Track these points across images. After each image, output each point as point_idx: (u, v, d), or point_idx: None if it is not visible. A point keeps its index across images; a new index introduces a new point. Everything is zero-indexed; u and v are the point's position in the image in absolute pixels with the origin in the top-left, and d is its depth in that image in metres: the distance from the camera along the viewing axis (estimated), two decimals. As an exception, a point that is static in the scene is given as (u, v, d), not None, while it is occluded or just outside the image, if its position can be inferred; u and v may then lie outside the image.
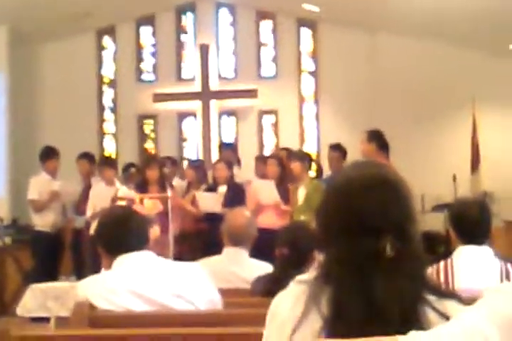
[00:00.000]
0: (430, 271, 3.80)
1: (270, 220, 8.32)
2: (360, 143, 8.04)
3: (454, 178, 10.46)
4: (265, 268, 4.63)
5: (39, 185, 9.64)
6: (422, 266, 1.83)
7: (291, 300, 1.84)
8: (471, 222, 3.91)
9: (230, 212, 5.45)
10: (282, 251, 4.12)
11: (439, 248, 8.26)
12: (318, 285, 1.79)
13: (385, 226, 1.76)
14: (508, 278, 3.78)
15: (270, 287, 3.83)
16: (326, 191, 1.92)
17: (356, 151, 8.36)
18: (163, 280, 3.30)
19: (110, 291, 3.25)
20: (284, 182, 8.78)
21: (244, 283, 4.57)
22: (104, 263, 3.56)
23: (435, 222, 9.09)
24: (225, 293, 3.63)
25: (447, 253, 4.02)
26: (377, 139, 8.00)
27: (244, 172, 10.20)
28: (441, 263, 3.88)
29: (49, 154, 9.84)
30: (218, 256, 4.89)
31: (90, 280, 3.43)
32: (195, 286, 3.35)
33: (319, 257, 3.98)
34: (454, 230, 3.98)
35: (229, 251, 4.84)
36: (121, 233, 3.43)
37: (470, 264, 3.83)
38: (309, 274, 1.86)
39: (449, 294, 1.83)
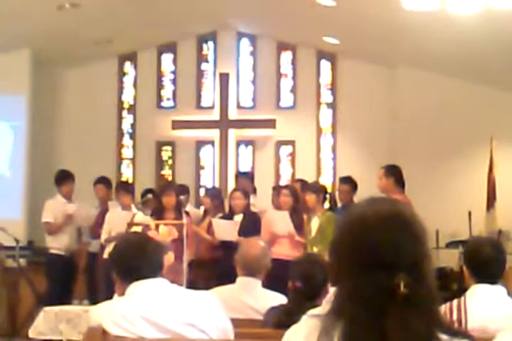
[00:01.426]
0: (443, 308, 3.79)
1: (284, 251, 8.35)
2: (377, 178, 8.08)
3: (470, 215, 10.43)
4: (278, 299, 4.64)
5: (54, 207, 9.74)
6: (436, 304, 1.82)
7: (303, 334, 1.84)
8: (484, 260, 3.91)
9: (244, 241, 5.46)
10: (296, 284, 4.13)
11: (452, 285, 8.23)
12: (330, 320, 1.78)
13: (399, 263, 1.76)
14: (521, 318, 3.76)
15: (283, 319, 3.84)
16: (339, 226, 1.91)
17: (372, 184, 8.41)
18: (176, 309, 3.31)
19: (123, 317, 3.26)
20: (298, 213, 8.80)
21: (256, 314, 4.58)
22: (118, 289, 3.58)
23: (449, 259, 9.07)
24: (237, 323, 3.63)
25: (461, 291, 4.02)
26: (395, 174, 8.07)
27: (260, 202, 10.22)
28: (455, 302, 3.87)
29: (64, 177, 9.95)
30: (231, 285, 4.90)
31: (103, 306, 3.44)
32: (207, 315, 3.36)
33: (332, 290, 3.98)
34: (468, 268, 3.99)
35: (242, 281, 4.85)
36: (136, 260, 3.45)
37: (483, 303, 3.82)
38: (322, 308, 1.86)
39: (462, 333, 1.82)
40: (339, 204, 9.79)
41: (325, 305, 1.86)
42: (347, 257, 1.82)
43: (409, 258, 1.78)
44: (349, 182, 9.62)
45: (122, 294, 3.47)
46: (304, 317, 1.90)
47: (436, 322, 1.78)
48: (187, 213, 9.24)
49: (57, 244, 9.68)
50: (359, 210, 1.89)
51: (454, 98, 11.80)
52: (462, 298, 3.88)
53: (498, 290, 3.89)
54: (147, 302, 3.31)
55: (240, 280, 4.85)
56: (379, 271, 1.76)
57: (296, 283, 4.13)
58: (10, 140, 11.70)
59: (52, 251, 9.70)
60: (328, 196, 9.59)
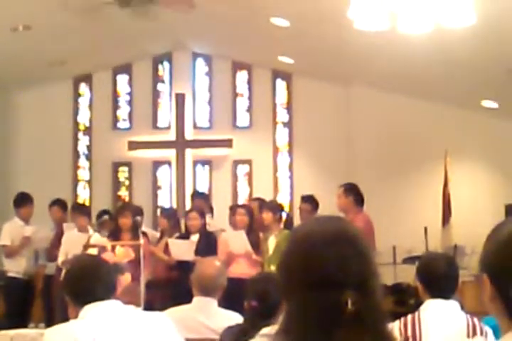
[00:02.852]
0: (398, 324, 3.83)
1: (241, 270, 8.35)
2: (336, 197, 8.14)
3: (426, 231, 10.53)
4: (234, 318, 4.64)
5: (12, 230, 9.65)
6: (384, 321, 1.81)
7: (253, 355, 1.85)
8: (438, 276, 3.95)
9: (200, 261, 5.46)
10: (251, 303, 4.13)
11: (409, 300, 8.27)
12: (279, 339, 1.78)
13: (346, 281, 1.75)
14: (474, 332, 3.81)
15: (239, 338, 3.84)
16: (287, 244, 1.90)
17: (330, 202, 8.48)
18: (130, 331, 3.30)
19: (76, 341, 3.25)
20: (254, 232, 8.83)
21: (213, 333, 4.58)
22: (71, 312, 3.55)
23: (406, 274, 9.10)
24: (193, 343, 3.63)
25: (418, 306, 4.05)
26: (354, 193, 8.14)
27: (218, 222, 10.21)
28: (409, 317, 3.90)
29: (23, 200, 9.87)
30: (187, 305, 4.90)
31: (57, 329, 3.42)
32: (161, 337, 3.35)
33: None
34: (422, 284, 4.03)
35: (198, 301, 4.84)
36: (88, 282, 3.43)
37: (437, 318, 3.86)
38: (274, 328, 1.87)
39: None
40: (298, 223, 9.82)
41: (277, 325, 1.86)
42: (293, 275, 1.81)
43: (356, 276, 1.77)
44: (310, 201, 9.66)
45: (76, 317, 3.44)
46: (256, 338, 1.90)
47: (384, 339, 1.78)
48: (144, 234, 9.20)
49: (15, 267, 9.59)
50: (305, 229, 1.90)
51: (408, 115, 11.94)
52: (416, 314, 3.91)
53: (451, 305, 3.93)
54: (101, 325, 3.29)
55: (196, 300, 4.85)
56: (326, 289, 1.75)
57: (252, 302, 4.12)
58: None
59: (10, 274, 9.61)
60: (284, 214, 9.62)
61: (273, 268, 8.23)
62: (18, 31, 9.95)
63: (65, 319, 3.76)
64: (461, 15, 6.19)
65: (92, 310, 3.36)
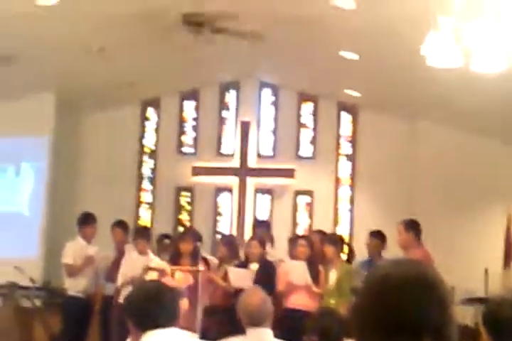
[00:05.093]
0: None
1: (301, 301, 8.38)
2: (397, 233, 8.14)
3: (486, 272, 10.37)
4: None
5: (74, 249, 9.78)
6: None
7: None
8: (504, 322, 3.89)
9: (243, 292, 5.31)
10: (311, 339, 4.12)
11: (467, 342, 8.16)
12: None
13: (422, 328, 1.73)
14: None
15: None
16: (363, 287, 1.87)
17: (389, 237, 8.41)
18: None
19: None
20: (314, 264, 8.81)
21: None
22: (132, 337, 3.57)
23: (464, 316, 8.98)
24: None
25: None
26: (414, 229, 8.16)
27: (276, 251, 10.20)
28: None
29: (87, 220, 10.00)
30: (242, 336, 4.82)
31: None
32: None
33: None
34: (487, 330, 3.96)
35: (252, 332, 4.75)
36: (152, 308, 3.43)
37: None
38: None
39: None
40: (359, 256, 9.79)
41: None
42: (369, 318, 1.79)
43: (433, 323, 1.75)
44: (379, 237, 9.68)
45: (135, 341, 3.45)
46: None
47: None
48: (205, 260, 9.23)
49: (76, 286, 9.68)
50: (383, 271, 1.85)
51: (473, 154, 11.80)
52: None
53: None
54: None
55: (249, 331, 4.75)
56: (401, 335, 1.73)
57: (312, 337, 4.12)
58: (31, 180, 11.81)
59: (70, 292, 9.70)
60: (345, 247, 9.62)
61: (332, 301, 8.22)
62: (90, 52, 10.11)
63: (121, 340, 3.77)
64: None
65: (153, 338, 3.36)
